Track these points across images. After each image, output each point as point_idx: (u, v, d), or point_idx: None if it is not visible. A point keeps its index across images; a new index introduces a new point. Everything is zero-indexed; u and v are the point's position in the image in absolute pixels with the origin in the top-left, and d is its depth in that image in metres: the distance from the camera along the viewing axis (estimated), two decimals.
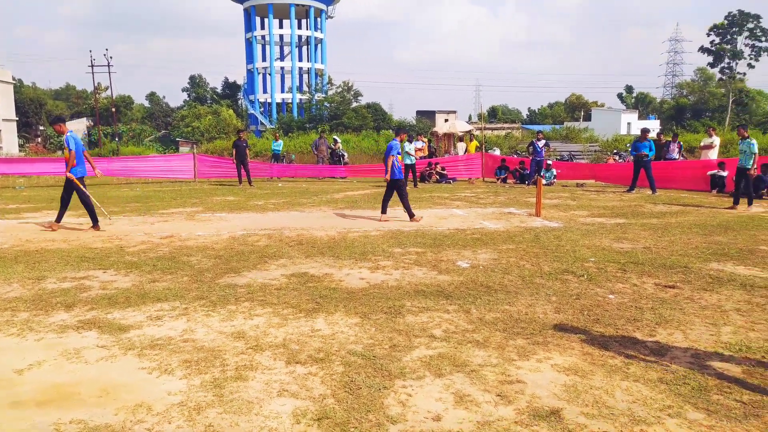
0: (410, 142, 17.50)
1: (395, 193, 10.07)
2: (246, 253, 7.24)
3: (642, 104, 75.74)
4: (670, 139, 18.27)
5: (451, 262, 6.71)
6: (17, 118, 49.66)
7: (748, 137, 11.44)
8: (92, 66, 44.39)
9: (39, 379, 3.53)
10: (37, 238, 8.42)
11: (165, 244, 7.85)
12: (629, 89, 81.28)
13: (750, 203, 11.41)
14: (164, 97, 78.93)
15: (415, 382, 3.49)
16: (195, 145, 37.70)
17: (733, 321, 4.58)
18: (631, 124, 57.89)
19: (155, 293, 5.40)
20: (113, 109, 49.89)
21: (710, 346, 4.05)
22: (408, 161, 16.90)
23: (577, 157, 30.56)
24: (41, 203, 13.22)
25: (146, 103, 75.57)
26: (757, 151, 11.38)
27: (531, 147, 18.38)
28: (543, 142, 18.05)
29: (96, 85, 50.35)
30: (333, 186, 17.97)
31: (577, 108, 74.46)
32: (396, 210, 10.55)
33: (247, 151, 18.35)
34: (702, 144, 17.17)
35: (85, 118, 61.07)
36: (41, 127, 61.64)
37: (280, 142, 23.63)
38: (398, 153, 9.97)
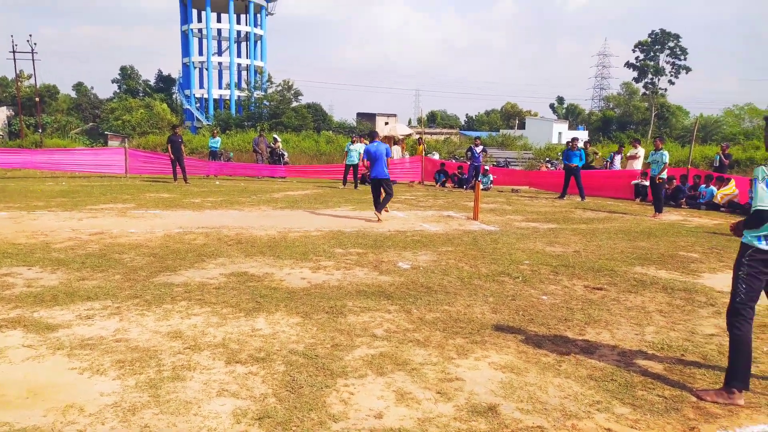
0: (353, 142, 17.77)
1: (381, 189, 10.48)
2: (182, 251, 7.04)
3: (572, 115, 79.02)
4: (616, 150, 19.79)
5: (392, 263, 6.78)
6: None
7: (662, 149, 12.19)
8: (14, 52, 41.72)
9: None
10: None
11: (95, 241, 7.52)
12: (560, 100, 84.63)
13: (659, 210, 12.07)
14: (92, 87, 74.87)
15: (357, 380, 3.51)
16: (126, 140, 36.22)
17: (656, 321, 4.88)
18: (562, 133, 60.27)
19: (85, 291, 5.17)
20: (37, 99, 47.03)
21: (635, 345, 4.30)
22: (350, 161, 17.19)
23: (512, 163, 31.54)
24: None
25: (73, 94, 71.73)
26: (667, 161, 12.12)
27: (469, 152, 18.83)
28: (480, 148, 18.54)
29: (18, 72, 47.38)
30: (272, 185, 17.74)
31: (512, 116, 76.84)
32: (337, 209, 10.58)
33: (183, 147, 17.82)
34: (628, 155, 18.15)
35: (5, 107, 57.25)
36: None
37: (218, 139, 23.04)
38: (389, 155, 10.49)
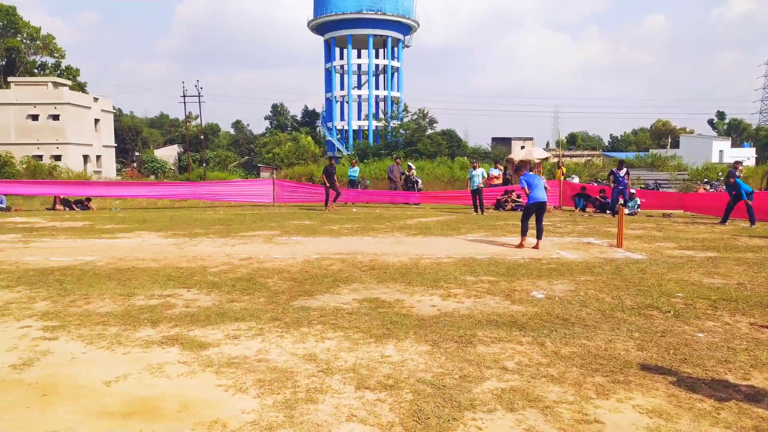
0: (474, 168, 17.84)
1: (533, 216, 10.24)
2: (320, 276, 7.38)
3: (736, 131, 71.36)
4: None
5: (525, 292, 6.53)
6: (116, 145, 53.67)
7: None
8: (184, 96, 47.37)
9: (124, 391, 3.73)
10: (128, 256, 8.98)
11: (244, 266, 8.15)
12: (721, 115, 76.97)
13: None
14: (248, 124, 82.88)
15: (485, 415, 3.39)
16: (275, 171, 39.18)
17: None
18: (724, 151, 54.71)
19: (233, 313, 5.60)
20: (202, 137, 52.87)
21: None
22: (473, 186, 17.22)
23: (663, 185, 29.09)
24: (134, 224, 14.13)
25: (232, 131, 79.59)
26: None
27: (611, 176, 17.71)
28: (624, 171, 17.32)
29: (187, 114, 53.70)
30: (406, 212, 18.06)
31: (664, 135, 71.18)
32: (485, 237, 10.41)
33: (335, 177, 18.73)
34: None
35: (176, 145, 65.08)
36: (137, 153, 66.26)
37: (357, 168, 24.03)
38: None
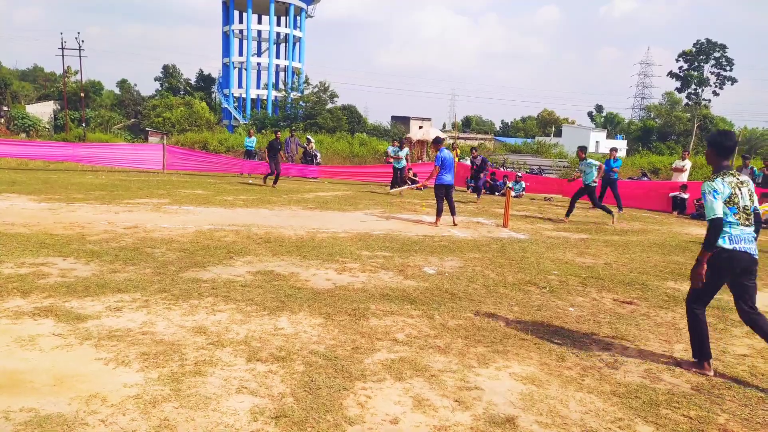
0: (401, 148, 18.00)
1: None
2: (212, 248, 7.16)
3: (611, 124, 77.57)
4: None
5: (417, 267, 6.76)
6: None
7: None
8: (62, 48, 43.18)
9: None
10: None
11: (129, 235, 7.71)
12: (599, 108, 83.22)
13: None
14: (135, 85, 77.45)
15: (375, 384, 3.51)
16: (165, 136, 37.03)
17: (686, 339, 4.71)
18: (599, 142, 59.29)
19: (116, 284, 5.30)
20: (82, 94, 48.53)
21: (663, 362, 4.18)
22: (399, 165, 17.40)
23: (546, 171, 31.10)
24: (1, 186, 12.80)
25: (117, 90, 73.81)
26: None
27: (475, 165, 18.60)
28: (480, 158, 18.24)
29: (65, 68, 49.05)
30: (304, 186, 17.89)
31: (549, 123, 75.77)
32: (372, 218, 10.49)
33: (280, 153, 17.03)
34: (673, 166, 17.74)
35: (52, 102, 59.25)
36: (5, 108, 59.62)
37: (254, 138, 23.29)
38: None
